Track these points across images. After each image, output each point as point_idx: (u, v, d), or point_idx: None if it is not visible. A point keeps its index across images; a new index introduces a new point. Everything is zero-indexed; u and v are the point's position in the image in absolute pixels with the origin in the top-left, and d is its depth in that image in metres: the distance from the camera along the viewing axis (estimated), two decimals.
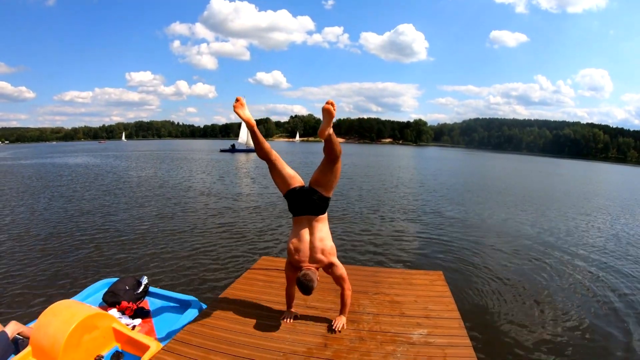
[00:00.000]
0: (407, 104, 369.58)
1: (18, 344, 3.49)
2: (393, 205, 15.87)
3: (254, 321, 3.65)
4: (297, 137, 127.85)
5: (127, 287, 4.53)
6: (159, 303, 4.64)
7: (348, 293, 3.51)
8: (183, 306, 4.54)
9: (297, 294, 3.57)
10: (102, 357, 3.34)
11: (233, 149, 58.39)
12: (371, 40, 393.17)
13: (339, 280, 3.47)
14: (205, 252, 8.78)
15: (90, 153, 56.82)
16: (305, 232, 3.38)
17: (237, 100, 3.32)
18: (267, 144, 3.37)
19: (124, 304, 4.27)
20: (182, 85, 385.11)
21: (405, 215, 13.86)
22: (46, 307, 3.48)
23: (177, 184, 21.50)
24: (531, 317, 6.02)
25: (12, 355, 3.27)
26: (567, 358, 4.93)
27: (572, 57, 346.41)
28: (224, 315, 3.78)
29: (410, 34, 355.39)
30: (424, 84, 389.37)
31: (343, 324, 3.48)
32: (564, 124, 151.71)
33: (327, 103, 2.95)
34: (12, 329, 3.58)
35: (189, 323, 3.65)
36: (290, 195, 3.42)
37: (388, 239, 10.44)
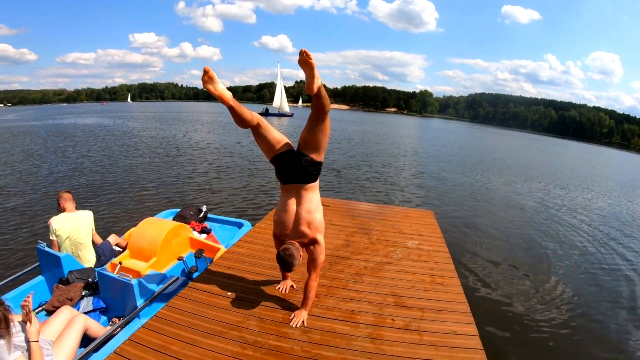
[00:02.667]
0: (414, 74, 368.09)
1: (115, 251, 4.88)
2: (402, 168, 17.57)
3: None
4: (300, 103, 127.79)
5: (191, 213, 5.94)
6: (216, 225, 6.08)
7: (314, 284, 3.15)
8: (235, 226, 6.06)
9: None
10: (183, 257, 4.69)
11: (267, 113, 59.11)
12: (380, 7, 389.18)
13: (312, 263, 3.11)
14: (246, 188, 12.08)
15: (104, 114, 56.75)
16: (292, 202, 3.08)
17: (205, 72, 2.73)
18: (246, 113, 2.90)
19: (193, 223, 5.66)
20: (187, 47, 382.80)
21: (413, 174, 16.01)
22: (131, 227, 4.88)
23: (222, 145, 22.97)
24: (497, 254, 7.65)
25: (113, 258, 4.63)
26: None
27: (584, 39, 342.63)
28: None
29: (420, 4, 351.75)
30: (431, 55, 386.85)
31: (303, 320, 3.09)
32: (570, 105, 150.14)
33: (301, 53, 2.56)
34: (113, 239, 4.98)
35: (242, 237, 5.06)
36: (277, 160, 3.06)
37: (395, 189, 12.69)
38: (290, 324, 3.04)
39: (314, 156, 3.00)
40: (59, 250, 4.32)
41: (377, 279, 3.89)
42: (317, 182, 3.15)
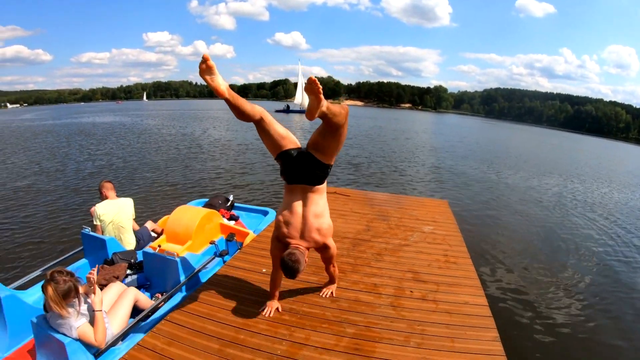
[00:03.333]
0: (428, 69, 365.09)
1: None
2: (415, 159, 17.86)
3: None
4: None
5: (220, 202, 6.35)
6: (243, 213, 6.48)
7: (334, 268, 3.32)
8: (260, 213, 6.48)
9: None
10: (215, 242, 5.07)
11: (288, 110, 59.77)
12: (393, 3, 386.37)
13: (327, 259, 3.21)
14: (267, 180, 12.91)
15: (121, 113, 57.76)
16: (298, 204, 2.91)
17: (203, 60, 2.45)
18: (246, 106, 2.70)
19: (222, 211, 6.06)
20: (200, 45, 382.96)
21: (429, 169, 16.65)
22: (164, 215, 5.31)
23: (242, 142, 23.54)
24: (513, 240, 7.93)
25: (150, 242, 5.05)
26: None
27: (600, 32, 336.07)
28: None
29: None
30: (445, 50, 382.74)
31: (332, 291, 3.42)
32: (586, 100, 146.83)
33: (310, 82, 2.39)
34: (150, 226, 5.41)
35: (271, 223, 5.44)
36: (282, 158, 2.86)
37: (412, 181, 13.42)
38: (321, 295, 3.35)
39: (323, 158, 2.80)
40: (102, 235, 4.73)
41: (396, 258, 4.26)
42: (325, 184, 2.98)
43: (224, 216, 5.87)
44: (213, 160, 16.78)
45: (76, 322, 2.77)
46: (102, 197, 4.91)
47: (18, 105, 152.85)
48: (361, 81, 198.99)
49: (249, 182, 12.60)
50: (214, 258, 4.50)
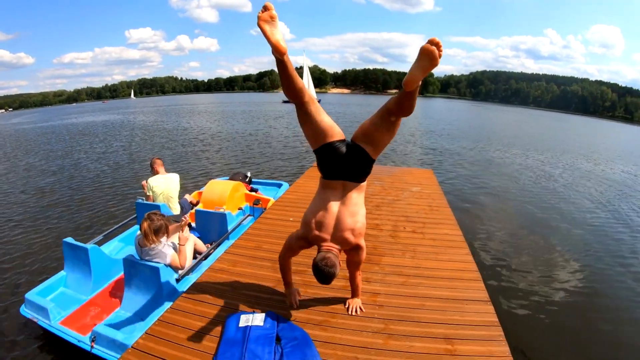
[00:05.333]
0: (414, 55, 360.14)
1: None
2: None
3: None
4: None
5: (240, 178, 7.42)
6: (259, 187, 7.59)
7: (359, 278, 3.02)
8: (275, 186, 7.66)
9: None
10: (242, 207, 6.19)
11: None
12: None
13: (356, 265, 2.87)
14: (276, 158, 15.01)
15: (114, 111, 57.03)
16: (335, 203, 2.65)
17: (265, 8, 2.17)
18: (299, 80, 2.47)
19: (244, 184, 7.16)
20: (184, 39, 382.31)
21: (422, 151, 17.56)
22: (195, 189, 6.46)
23: (245, 130, 25.43)
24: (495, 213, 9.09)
25: (190, 209, 6.12)
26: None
27: (584, 12, 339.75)
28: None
29: None
30: (430, 35, 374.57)
31: (359, 305, 3.07)
32: (572, 80, 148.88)
33: (431, 42, 2.09)
34: (188, 197, 6.49)
35: (286, 190, 6.56)
36: (325, 151, 2.59)
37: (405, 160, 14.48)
38: (348, 311, 3.03)
39: (371, 151, 2.56)
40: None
41: (391, 208, 5.47)
42: (365, 182, 2.74)
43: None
44: (224, 146, 18.55)
45: (169, 251, 3.87)
46: (154, 172, 5.86)
47: (4, 110, 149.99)
48: (347, 69, 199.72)
49: (261, 162, 14.44)
50: (246, 217, 5.64)
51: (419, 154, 16.77)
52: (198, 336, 2.75)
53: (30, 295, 4.08)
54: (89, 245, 4.37)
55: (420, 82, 2.26)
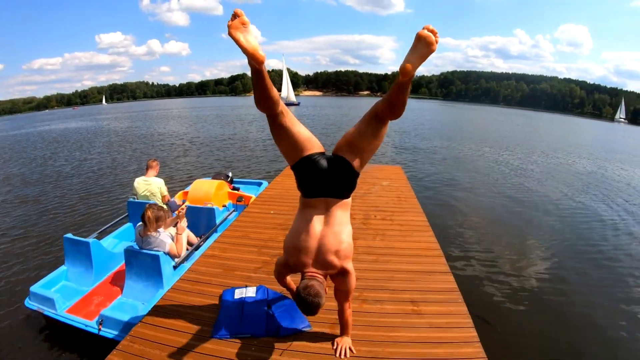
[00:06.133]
0: (385, 56, 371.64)
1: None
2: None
3: None
4: None
5: (222, 177, 7.85)
6: (241, 186, 8.04)
7: (349, 312, 2.69)
8: (255, 185, 8.12)
9: None
10: (226, 205, 6.65)
11: None
12: None
13: (344, 294, 2.56)
14: (258, 158, 15.37)
15: (88, 118, 55.26)
16: (318, 223, 2.40)
17: (235, 16, 1.94)
18: (274, 91, 2.23)
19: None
20: (154, 44, 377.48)
21: (394, 151, 18.10)
22: (180, 190, 6.92)
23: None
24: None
25: (177, 208, 6.52)
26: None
27: (552, 12, 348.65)
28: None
29: None
30: (401, 36, 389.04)
31: (349, 346, 2.73)
32: (541, 79, 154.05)
33: (426, 29, 1.98)
34: (176, 199, 6.90)
35: (266, 187, 7.05)
36: (304, 165, 2.36)
37: (377, 153, 14.96)
38: (337, 353, 2.69)
39: (356, 164, 2.36)
40: None
41: (363, 200, 6.03)
42: (350, 198, 2.53)
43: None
44: (203, 150, 18.73)
45: (167, 240, 4.33)
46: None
47: None
48: (318, 71, 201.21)
49: (240, 163, 15.04)
50: (231, 212, 6.12)
51: (391, 153, 17.50)
52: (199, 309, 3.20)
53: (35, 288, 4.40)
54: (90, 240, 4.74)
55: (414, 74, 2.08)
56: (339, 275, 2.46)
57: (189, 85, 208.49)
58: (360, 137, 2.33)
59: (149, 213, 4.22)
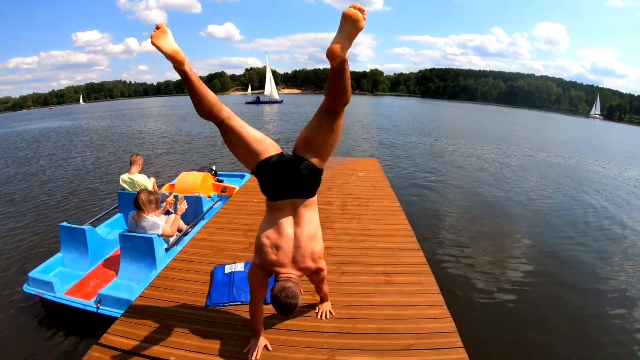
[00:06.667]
0: (363, 54, 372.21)
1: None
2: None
3: None
4: (249, 90, 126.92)
5: (206, 171, 8.19)
6: (224, 178, 8.39)
7: (326, 287, 2.97)
8: (238, 177, 8.54)
9: None
10: (211, 196, 7.00)
11: (258, 101, 62.43)
12: None
13: (320, 283, 2.83)
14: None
15: (66, 117, 54.46)
16: (288, 224, 2.40)
17: (157, 28, 2.06)
18: (212, 95, 2.19)
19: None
20: (132, 42, 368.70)
21: (371, 146, 18.51)
22: (166, 182, 7.27)
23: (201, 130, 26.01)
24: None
25: (165, 199, 6.86)
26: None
27: (529, 10, 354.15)
28: None
29: None
30: (380, 34, 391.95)
31: (329, 309, 3.06)
32: (518, 76, 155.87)
33: (352, 7, 1.87)
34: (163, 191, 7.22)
35: (249, 179, 7.42)
36: (263, 169, 2.34)
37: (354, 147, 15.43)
38: (317, 315, 3.03)
39: (316, 161, 2.33)
40: None
41: (341, 189, 6.48)
42: (316, 197, 2.50)
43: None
44: (186, 147, 18.99)
45: (160, 222, 4.68)
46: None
47: None
48: (297, 69, 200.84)
49: (223, 156, 15.35)
50: (217, 201, 6.49)
51: (370, 148, 17.98)
52: (193, 283, 3.56)
53: (34, 273, 4.68)
54: (85, 227, 5.06)
55: (347, 57, 2.00)
56: (314, 274, 2.57)
57: (167, 84, 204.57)
58: (315, 134, 2.29)
59: (142, 196, 4.59)
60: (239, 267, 3.68)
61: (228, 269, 3.67)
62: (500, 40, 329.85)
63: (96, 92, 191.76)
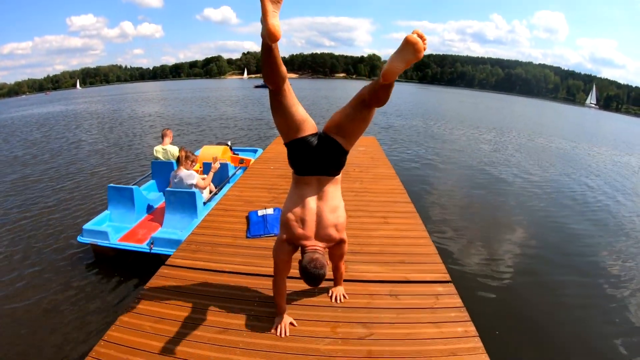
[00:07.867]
0: (361, 38, 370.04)
1: None
2: None
3: None
4: (245, 74, 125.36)
5: (224, 144, 9.17)
6: (240, 152, 9.42)
7: (343, 267, 3.05)
8: (252, 152, 9.57)
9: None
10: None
11: (264, 85, 61.60)
12: None
13: (340, 257, 2.86)
14: (252, 131, 18.60)
15: (68, 101, 54.96)
16: (312, 199, 2.52)
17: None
18: (284, 68, 2.28)
19: None
20: (127, 26, 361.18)
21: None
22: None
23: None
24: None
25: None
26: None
27: None
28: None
29: None
30: (378, 19, 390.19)
31: (343, 293, 3.11)
32: (516, 63, 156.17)
33: (415, 33, 1.98)
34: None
35: (263, 152, 8.42)
36: (297, 145, 2.46)
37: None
38: (332, 299, 3.07)
39: (345, 144, 2.46)
40: None
41: None
42: (340, 175, 2.64)
43: None
44: (194, 128, 19.70)
45: (195, 175, 5.79)
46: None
47: None
48: (294, 53, 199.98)
49: (236, 133, 17.33)
50: (238, 169, 7.53)
51: (370, 131, 18.58)
52: (231, 228, 4.49)
53: (88, 225, 5.53)
54: (132, 187, 6.02)
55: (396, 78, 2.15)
56: (337, 245, 2.65)
57: (163, 68, 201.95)
58: (349, 121, 2.40)
59: (182, 152, 5.75)
60: (269, 211, 4.65)
61: (261, 212, 4.65)
62: (499, 27, 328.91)
63: (92, 76, 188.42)
